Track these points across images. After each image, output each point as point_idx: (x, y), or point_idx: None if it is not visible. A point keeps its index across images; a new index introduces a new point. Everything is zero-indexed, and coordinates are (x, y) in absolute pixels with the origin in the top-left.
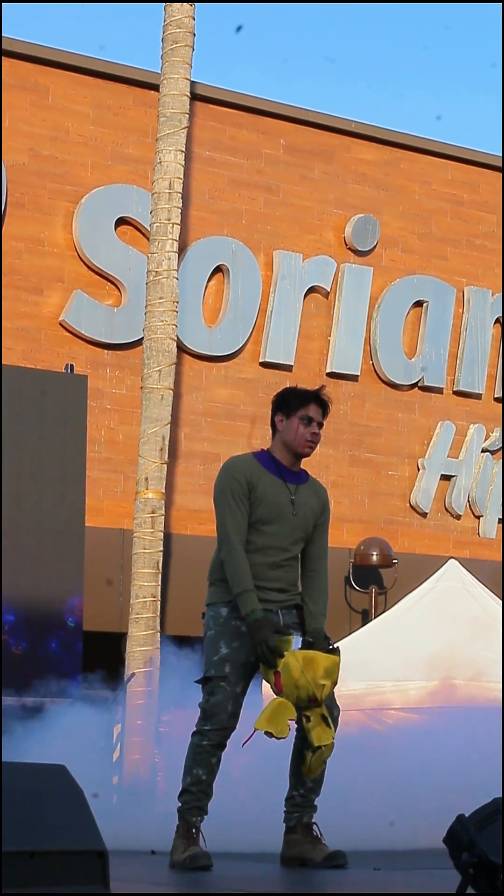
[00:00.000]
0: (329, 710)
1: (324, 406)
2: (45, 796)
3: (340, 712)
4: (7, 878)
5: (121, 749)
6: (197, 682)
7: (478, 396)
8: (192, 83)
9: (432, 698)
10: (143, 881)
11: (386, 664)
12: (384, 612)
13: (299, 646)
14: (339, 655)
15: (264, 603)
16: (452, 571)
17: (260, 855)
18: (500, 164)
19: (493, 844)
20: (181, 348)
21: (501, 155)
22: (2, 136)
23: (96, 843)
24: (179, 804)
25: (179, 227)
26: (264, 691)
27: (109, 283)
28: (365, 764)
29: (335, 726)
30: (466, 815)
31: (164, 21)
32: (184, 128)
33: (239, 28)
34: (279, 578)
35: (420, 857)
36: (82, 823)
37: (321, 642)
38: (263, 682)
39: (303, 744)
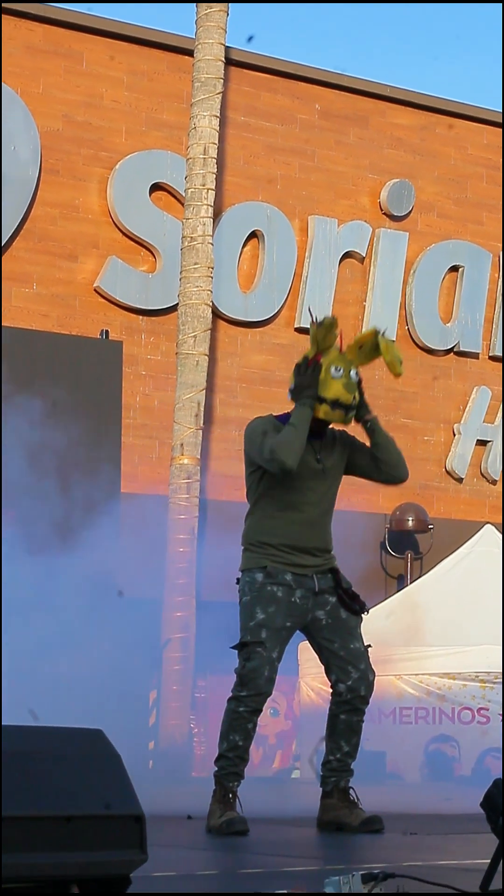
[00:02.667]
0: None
1: None
2: (81, 760)
3: (376, 676)
4: (44, 842)
5: (157, 715)
6: (233, 647)
7: None
8: (227, 48)
9: (469, 663)
10: (179, 846)
11: (422, 629)
12: (420, 577)
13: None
14: None
15: (298, 567)
16: (488, 536)
17: (297, 819)
18: None
19: None
20: (216, 314)
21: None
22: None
23: (133, 807)
24: (216, 769)
25: (214, 192)
26: (300, 656)
27: (144, 249)
28: (401, 728)
29: (370, 692)
30: None
31: None
32: (218, 93)
33: (250, 38)
34: (313, 538)
35: (457, 822)
36: (119, 788)
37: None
38: (299, 648)
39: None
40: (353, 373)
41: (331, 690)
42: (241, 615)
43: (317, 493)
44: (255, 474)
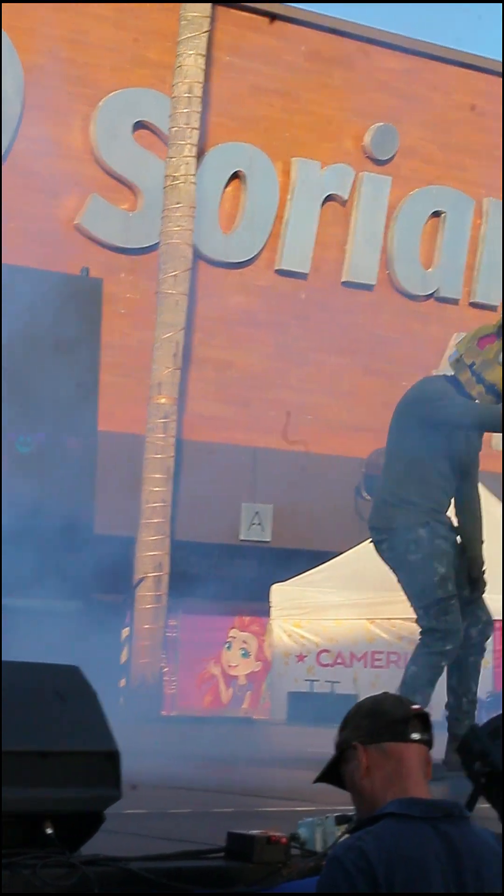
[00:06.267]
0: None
1: None
2: (58, 696)
3: (348, 620)
4: (18, 777)
5: (128, 652)
6: (424, 606)
7: (494, 308)
8: None
9: None
10: (151, 784)
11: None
12: None
13: None
14: None
15: (444, 526)
16: None
17: (270, 760)
18: None
19: None
20: (197, 254)
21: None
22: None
23: (108, 743)
24: None
25: (198, 132)
26: (272, 598)
27: (126, 188)
28: (373, 671)
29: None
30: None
31: None
32: (205, 32)
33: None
34: (449, 504)
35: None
36: (95, 724)
37: None
38: (271, 590)
39: None
40: None
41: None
42: (418, 573)
43: (459, 464)
44: (417, 432)
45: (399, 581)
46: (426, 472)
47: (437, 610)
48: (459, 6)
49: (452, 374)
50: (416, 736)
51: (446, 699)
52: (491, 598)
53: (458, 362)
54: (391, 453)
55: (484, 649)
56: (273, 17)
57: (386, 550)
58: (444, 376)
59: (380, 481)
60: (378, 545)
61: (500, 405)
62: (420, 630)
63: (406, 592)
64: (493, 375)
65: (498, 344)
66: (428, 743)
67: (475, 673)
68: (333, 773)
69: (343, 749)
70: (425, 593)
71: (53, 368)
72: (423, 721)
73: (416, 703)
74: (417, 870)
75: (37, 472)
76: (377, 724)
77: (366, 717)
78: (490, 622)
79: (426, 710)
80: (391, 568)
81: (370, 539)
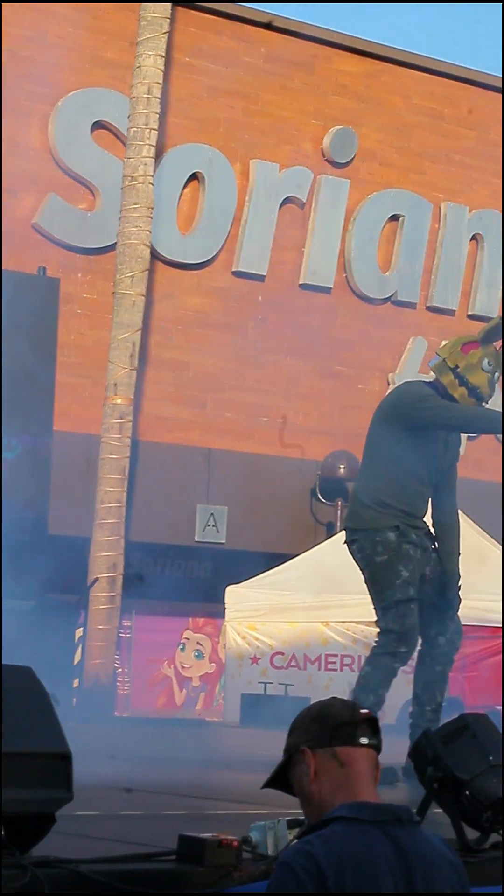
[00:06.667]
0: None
1: None
2: (9, 697)
3: (304, 623)
4: None
5: (82, 653)
6: (383, 607)
7: (451, 313)
8: None
9: None
10: (103, 786)
11: (349, 576)
12: None
13: None
14: None
15: (416, 530)
16: None
17: (222, 762)
18: (484, 81)
19: (459, 760)
20: (154, 255)
21: (502, 74)
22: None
23: (60, 745)
24: None
25: (157, 132)
26: (227, 599)
27: (84, 187)
28: (326, 674)
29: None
30: (433, 730)
31: None
32: (164, 32)
33: None
34: (424, 508)
35: (383, 773)
36: (47, 726)
37: None
38: (226, 592)
39: None
40: (497, 374)
41: (421, 642)
42: (381, 574)
43: (436, 470)
44: (396, 436)
45: (365, 581)
46: (402, 476)
47: (395, 612)
48: (457, 9)
49: (430, 380)
50: (364, 740)
51: (410, 707)
52: (491, 601)
53: (440, 366)
54: (368, 455)
55: (452, 660)
56: (268, 26)
57: (356, 551)
58: (424, 382)
59: (356, 483)
60: (350, 545)
61: (483, 408)
62: (378, 631)
63: (369, 592)
64: (477, 379)
65: (481, 350)
66: (377, 747)
67: (441, 682)
68: (282, 778)
69: (291, 753)
70: (385, 594)
71: (8, 367)
72: (372, 725)
73: (365, 707)
74: (367, 873)
75: (13, 476)
76: (325, 728)
77: (314, 721)
78: (459, 632)
79: (375, 714)
80: (360, 568)
81: (327, 540)
